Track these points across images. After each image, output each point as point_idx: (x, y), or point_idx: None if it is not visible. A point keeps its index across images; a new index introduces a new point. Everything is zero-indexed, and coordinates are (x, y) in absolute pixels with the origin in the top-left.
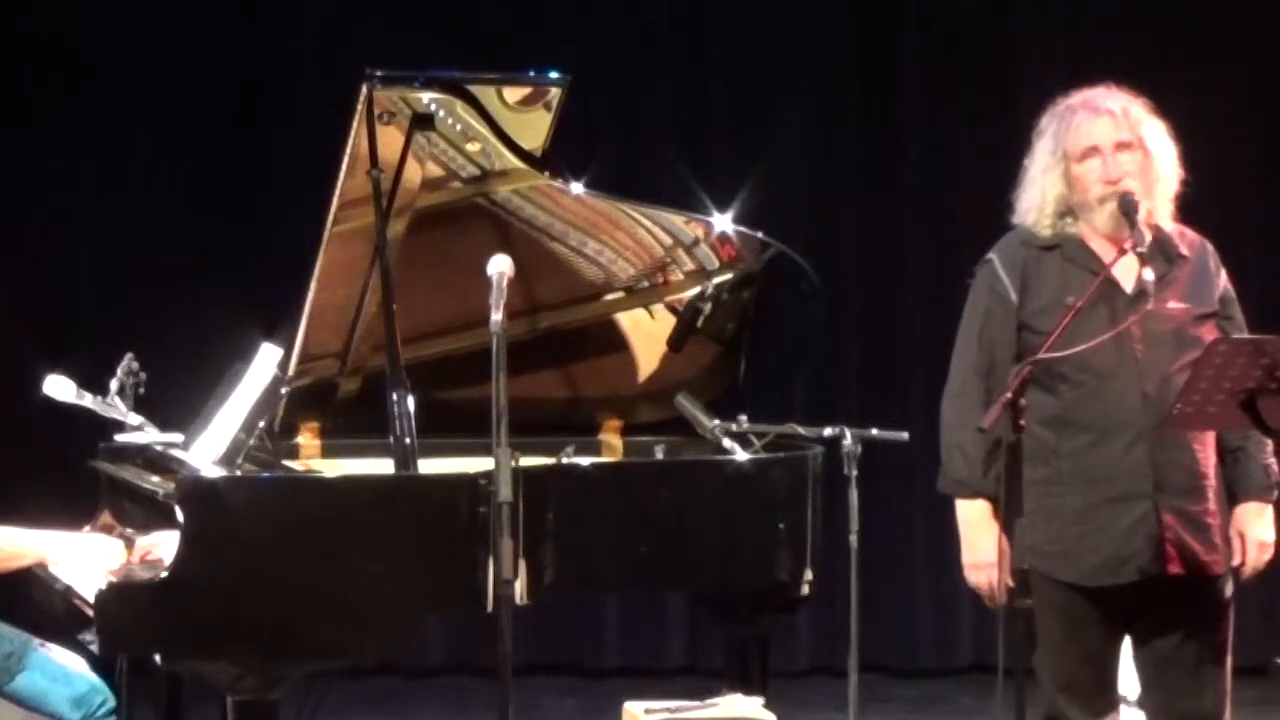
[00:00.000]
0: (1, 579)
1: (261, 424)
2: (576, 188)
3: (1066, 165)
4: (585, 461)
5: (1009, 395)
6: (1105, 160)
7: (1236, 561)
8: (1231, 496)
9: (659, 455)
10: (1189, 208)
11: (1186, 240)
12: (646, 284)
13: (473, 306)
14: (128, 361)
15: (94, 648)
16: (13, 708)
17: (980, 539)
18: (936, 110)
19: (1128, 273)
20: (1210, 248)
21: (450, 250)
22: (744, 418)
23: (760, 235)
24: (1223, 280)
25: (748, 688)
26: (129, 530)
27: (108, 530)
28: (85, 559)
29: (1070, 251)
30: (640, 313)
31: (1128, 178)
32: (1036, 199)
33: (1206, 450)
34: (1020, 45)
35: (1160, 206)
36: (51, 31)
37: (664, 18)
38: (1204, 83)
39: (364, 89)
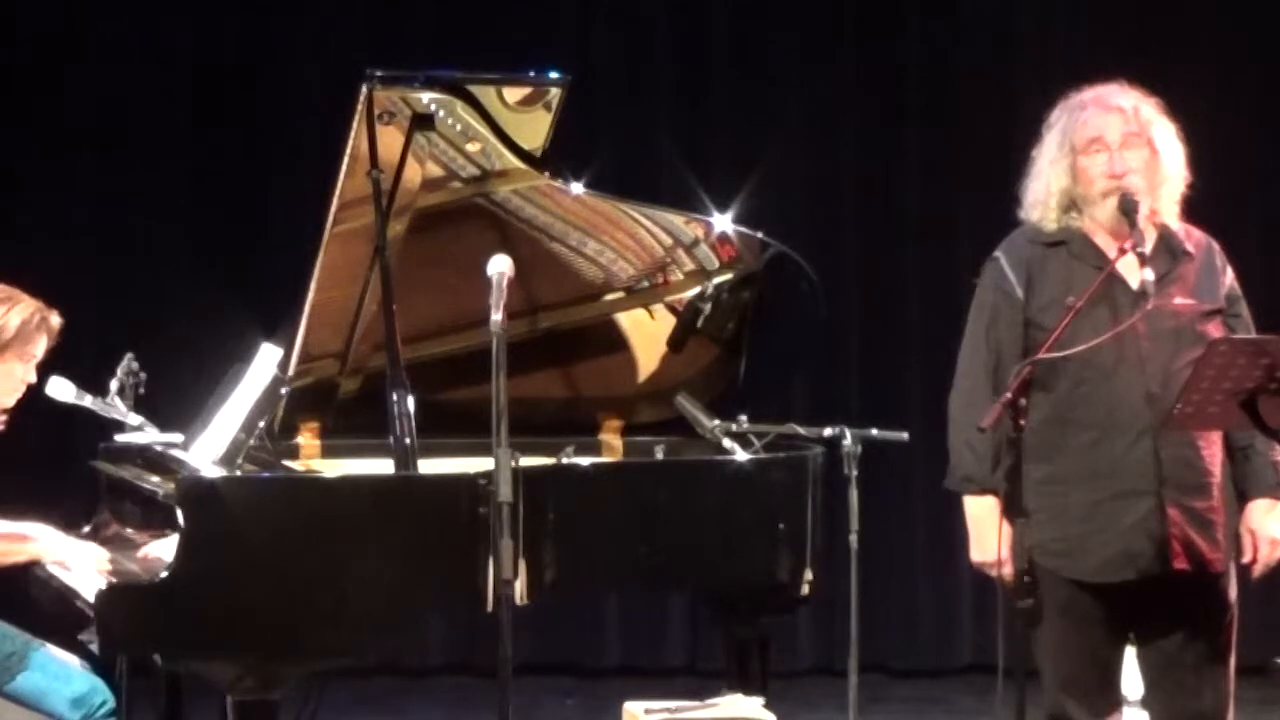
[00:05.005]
0: (1, 579)
1: (261, 424)
2: (576, 188)
3: (1073, 158)
4: (585, 461)
5: (1009, 396)
6: (1111, 155)
7: (1247, 559)
8: (1241, 494)
9: (659, 455)
10: (1190, 208)
11: (1192, 238)
12: (646, 284)
13: (473, 306)
14: (128, 361)
15: (94, 648)
16: (13, 707)
17: (988, 535)
18: (936, 110)
19: (1134, 269)
20: (1216, 246)
21: (450, 250)
22: (744, 418)
23: (760, 235)
24: (1229, 278)
25: (748, 688)
26: (129, 530)
27: (106, 528)
28: (76, 560)
29: (1076, 248)
30: (640, 313)
31: (1132, 174)
32: (1041, 192)
33: (1213, 447)
34: (1020, 45)
35: (1166, 206)
36: (50, 31)
37: (663, 17)
38: (1204, 82)
39: (364, 89)
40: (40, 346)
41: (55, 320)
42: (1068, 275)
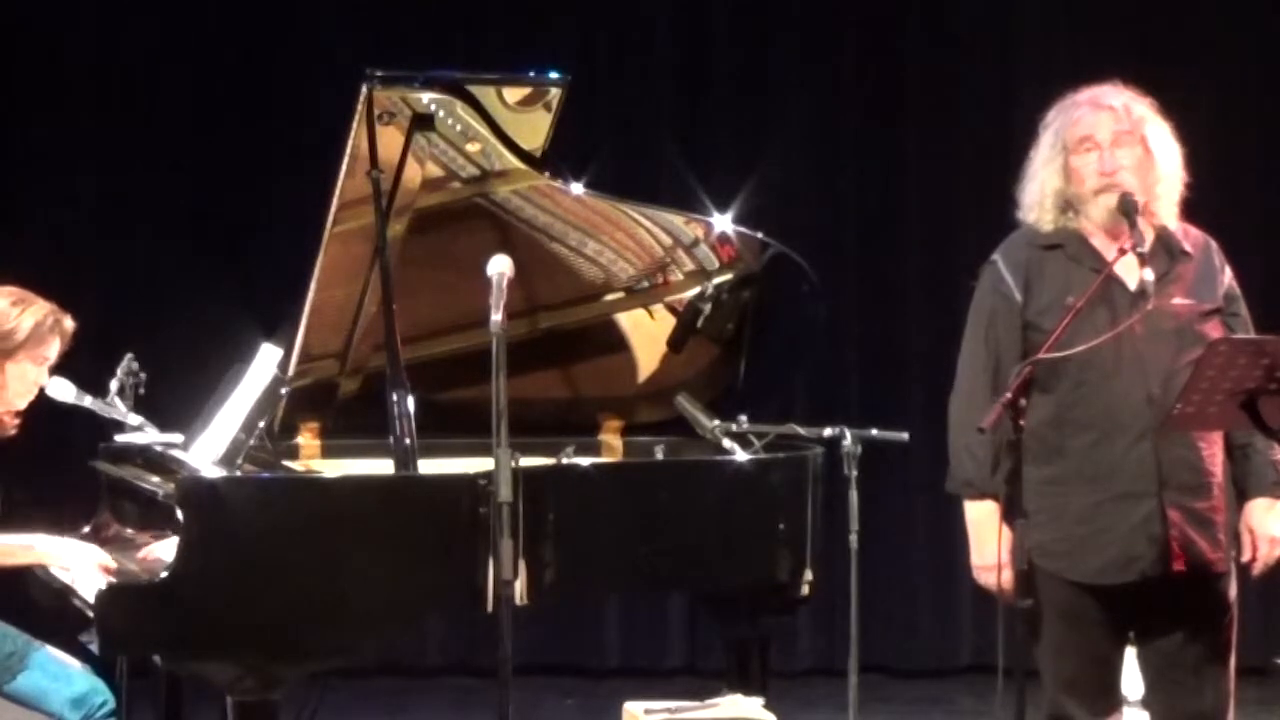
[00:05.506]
0: (1, 579)
1: (261, 424)
2: (576, 188)
3: (1065, 157)
4: (585, 461)
5: (1008, 396)
6: (1102, 153)
7: (1246, 558)
8: (1240, 493)
9: (659, 455)
10: (1189, 207)
11: (1190, 237)
12: (646, 284)
13: (473, 306)
14: (128, 362)
15: (94, 648)
16: (13, 707)
17: (988, 540)
18: (936, 110)
19: (1131, 270)
20: (1214, 245)
21: (450, 250)
22: (744, 418)
23: (760, 235)
24: (1227, 277)
25: (748, 688)
26: (129, 530)
27: (106, 528)
28: (77, 562)
29: (1073, 250)
30: (640, 313)
31: (1124, 172)
32: (1037, 193)
33: (1213, 447)
34: (1020, 45)
35: (1163, 206)
36: (51, 31)
37: (663, 17)
38: (1204, 82)
39: (364, 89)
40: (53, 349)
41: (68, 323)
42: (1066, 278)
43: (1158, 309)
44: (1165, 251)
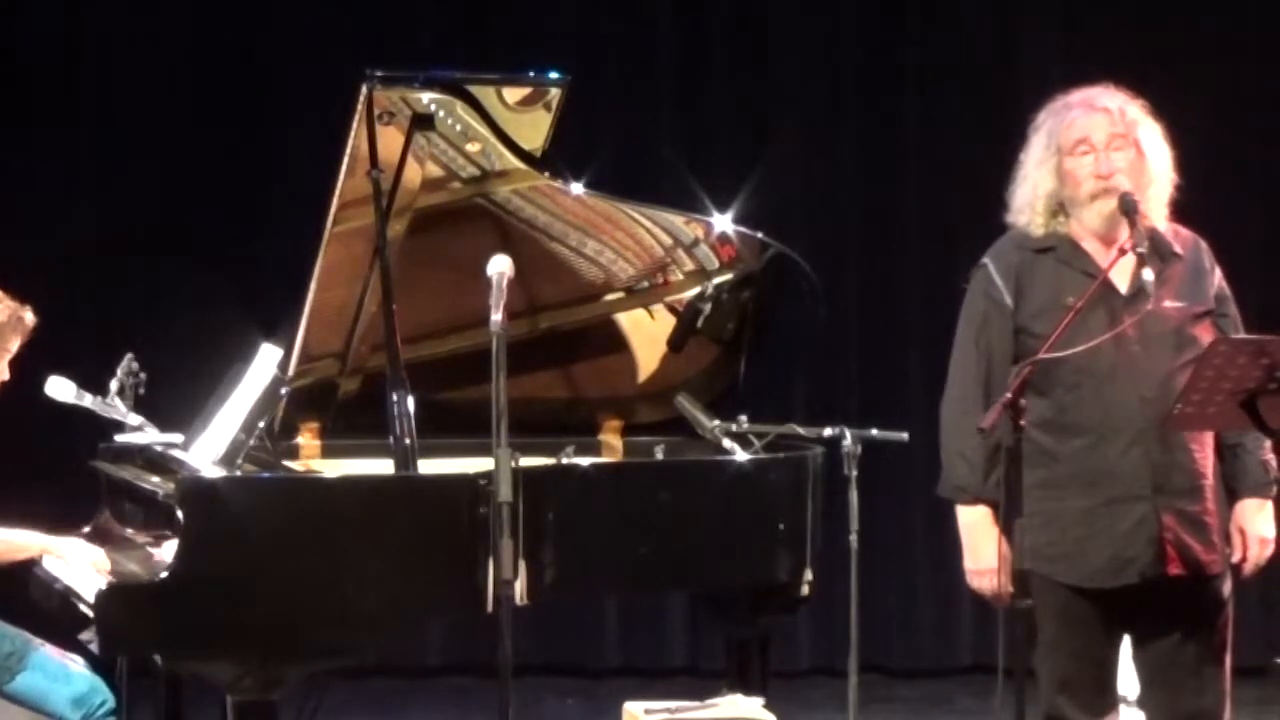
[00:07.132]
0: (1, 579)
1: (261, 424)
2: (576, 188)
3: (1059, 160)
4: (585, 462)
5: (1009, 396)
6: (1097, 156)
7: (1237, 558)
8: (1231, 493)
9: (659, 455)
10: (1188, 208)
11: (1180, 238)
12: (646, 284)
13: (473, 306)
14: (128, 361)
15: (94, 648)
16: (13, 707)
17: (982, 544)
18: (936, 110)
19: (1123, 274)
20: (1204, 245)
21: (450, 250)
22: (744, 418)
23: (760, 235)
24: (1217, 277)
25: (748, 688)
26: (129, 530)
27: (106, 528)
28: (75, 555)
29: (1064, 254)
30: (640, 313)
31: (1119, 174)
32: (1028, 195)
33: (1205, 450)
34: (1020, 45)
35: (1154, 207)
36: (51, 31)
37: (664, 17)
38: (1203, 83)
39: (364, 89)
40: (14, 344)
41: (29, 317)
42: (1057, 282)
43: (1150, 312)
44: (1156, 253)
